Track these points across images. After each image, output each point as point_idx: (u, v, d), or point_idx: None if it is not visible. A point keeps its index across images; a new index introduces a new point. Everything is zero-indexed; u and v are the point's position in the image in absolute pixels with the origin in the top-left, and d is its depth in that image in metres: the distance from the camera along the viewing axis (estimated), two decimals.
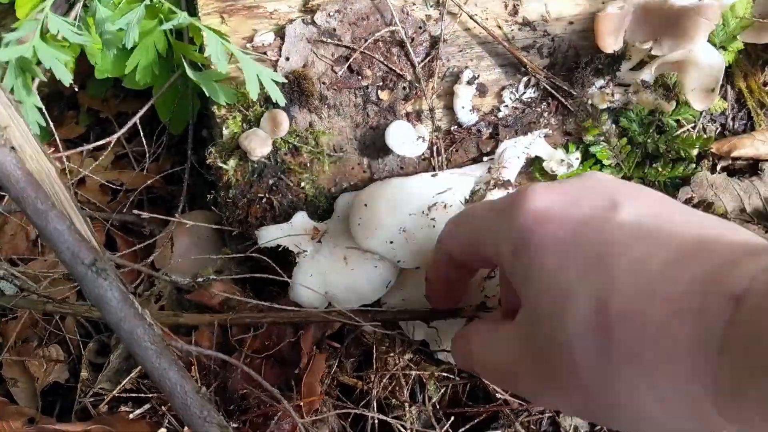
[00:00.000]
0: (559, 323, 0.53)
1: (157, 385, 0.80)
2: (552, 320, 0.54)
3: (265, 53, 1.00)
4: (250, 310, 1.02)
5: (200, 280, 0.95)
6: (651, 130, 1.05)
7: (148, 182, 1.29)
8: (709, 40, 0.98)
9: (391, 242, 0.98)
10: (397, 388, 1.03)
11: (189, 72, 0.98)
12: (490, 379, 0.87)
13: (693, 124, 1.08)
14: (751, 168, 1.09)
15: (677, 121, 1.05)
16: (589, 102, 1.04)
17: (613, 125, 1.06)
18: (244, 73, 0.91)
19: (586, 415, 0.70)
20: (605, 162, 1.06)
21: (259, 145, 0.97)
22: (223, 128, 1.02)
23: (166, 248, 1.16)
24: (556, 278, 0.55)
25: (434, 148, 1.06)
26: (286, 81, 0.98)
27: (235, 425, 0.93)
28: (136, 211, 1.03)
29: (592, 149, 1.05)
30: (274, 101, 0.94)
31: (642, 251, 0.51)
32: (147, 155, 1.30)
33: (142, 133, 1.25)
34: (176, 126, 1.26)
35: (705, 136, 1.07)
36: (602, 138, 1.05)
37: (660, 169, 1.06)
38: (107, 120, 1.43)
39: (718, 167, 1.10)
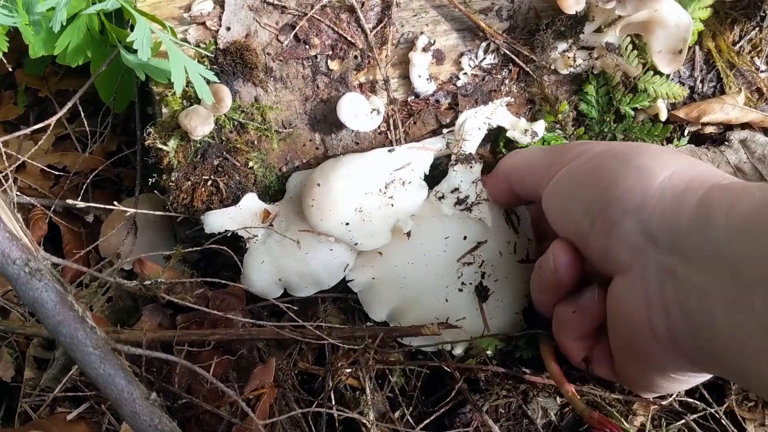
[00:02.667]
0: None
1: (102, 392, 0.74)
2: None
3: (203, 23, 0.93)
4: (196, 326, 0.96)
5: (147, 283, 0.89)
6: (608, 119, 1.01)
7: (95, 166, 1.22)
8: None
9: (347, 224, 0.93)
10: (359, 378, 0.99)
11: (123, 54, 0.91)
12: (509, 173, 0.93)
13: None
14: (721, 134, 1.05)
15: (635, 109, 1.01)
16: (552, 67, 0.98)
17: (570, 113, 1.01)
18: (171, 64, 0.84)
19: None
20: None
21: (200, 124, 0.90)
22: (163, 106, 0.95)
23: (112, 236, 1.09)
24: None
25: (391, 121, 1.00)
26: (223, 60, 0.91)
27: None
28: (70, 201, 0.95)
29: (547, 136, 1.00)
30: (200, 98, 0.87)
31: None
32: (89, 136, 1.23)
33: (83, 114, 1.17)
34: (120, 104, 1.18)
35: (662, 125, 1.01)
36: (558, 126, 1.00)
37: None
38: (47, 99, 1.34)
39: (687, 132, 1.06)
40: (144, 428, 0.72)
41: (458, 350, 0.96)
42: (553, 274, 0.80)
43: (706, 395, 0.97)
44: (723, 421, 0.95)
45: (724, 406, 0.96)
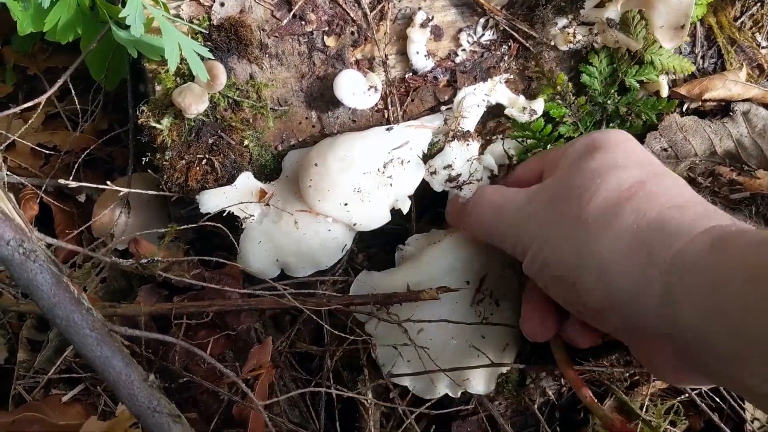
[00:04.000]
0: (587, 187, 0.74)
1: (100, 375, 0.73)
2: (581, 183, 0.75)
3: None
4: (193, 299, 0.95)
5: (144, 261, 0.87)
6: (612, 91, 0.99)
7: (86, 145, 1.20)
8: None
9: (346, 204, 0.91)
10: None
11: (114, 31, 0.89)
12: (481, 230, 0.90)
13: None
14: (722, 109, 1.04)
15: (640, 81, 0.99)
16: (552, 43, 0.97)
17: (569, 84, 0.99)
18: (164, 41, 0.82)
19: (560, 266, 0.75)
20: (563, 120, 0.99)
21: (194, 101, 0.88)
22: (156, 84, 0.93)
23: (105, 215, 1.08)
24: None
25: (388, 99, 0.98)
26: (217, 35, 0.89)
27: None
28: (62, 180, 0.94)
29: (547, 106, 0.98)
30: (195, 75, 0.84)
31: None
32: (80, 114, 1.20)
33: (73, 91, 1.15)
34: (111, 82, 1.16)
35: (666, 100, 1.00)
36: (557, 96, 0.99)
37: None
38: (36, 77, 1.31)
39: (687, 109, 1.05)
40: (142, 411, 0.71)
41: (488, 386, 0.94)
42: (532, 337, 0.87)
43: None
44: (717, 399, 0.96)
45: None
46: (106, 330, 0.72)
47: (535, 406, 0.98)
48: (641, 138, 1.00)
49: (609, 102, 1.00)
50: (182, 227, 0.91)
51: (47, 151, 1.20)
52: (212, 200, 0.92)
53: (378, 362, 0.93)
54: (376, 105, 0.97)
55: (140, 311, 0.88)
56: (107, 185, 0.95)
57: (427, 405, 0.94)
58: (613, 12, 0.94)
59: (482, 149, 0.99)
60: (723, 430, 0.95)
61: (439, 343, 0.91)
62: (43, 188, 1.15)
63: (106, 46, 1.08)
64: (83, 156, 1.15)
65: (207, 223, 0.87)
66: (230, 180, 0.95)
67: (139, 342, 0.92)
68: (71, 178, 1.01)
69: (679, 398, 0.96)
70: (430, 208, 1.05)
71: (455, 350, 0.92)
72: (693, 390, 0.96)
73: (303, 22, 0.92)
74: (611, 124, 1.02)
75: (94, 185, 0.99)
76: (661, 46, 0.96)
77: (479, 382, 0.92)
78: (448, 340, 0.92)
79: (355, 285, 0.96)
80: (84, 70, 1.15)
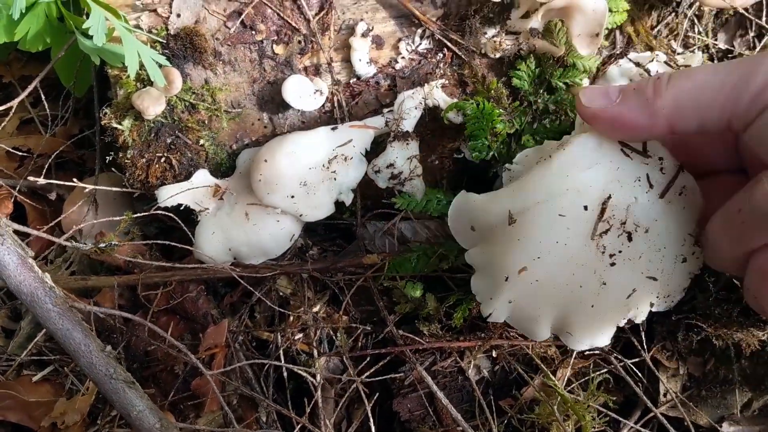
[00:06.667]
0: None
1: (62, 345, 0.81)
2: None
3: (155, 10, 0.99)
4: (157, 270, 1.03)
5: (102, 245, 0.95)
6: (541, 91, 1.08)
7: (58, 148, 1.28)
8: None
9: (293, 196, 1.00)
10: (309, 339, 1.06)
11: (80, 40, 0.98)
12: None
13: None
14: None
15: (566, 83, 1.09)
16: (482, 51, 1.06)
17: (504, 88, 1.08)
18: (124, 49, 0.90)
19: None
20: (497, 120, 1.07)
21: (152, 104, 0.97)
22: (118, 88, 1.02)
23: (73, 212, 1.16)
24: None
25: (335, 101, 1.07)
26: (174, 41, 0.98)
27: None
28: (32, 178, 1.02)
29: (460, 103, 1.06)
30: (153, 80, 0.93)
31: None
32: (49, 119, 1.29)
33: (44, 97, 1.23)
34: (80, 88, 1.24)
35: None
36: (492, 100, 1.07)
37: (548, 125, 1.09)
38: (11, 84, 1.39)
39: None
40: (100, 377, 0.79)
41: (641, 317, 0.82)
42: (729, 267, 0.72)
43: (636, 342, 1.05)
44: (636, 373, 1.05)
45: (639, 358, 1.05)
46: (68, 305, 0.80)
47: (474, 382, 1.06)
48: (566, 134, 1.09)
49: (539, 100, 1.09)
50: (136, 215, 0.99)
51: (22, 154, 1.27)
52: (169, 194, 1.00)
53: (475, 295, 0.84)
54: (324, 107, 1.06)
55: (110, 282, 0.96)
56: (74, 182, 1.03)
57: (367, 375, 1.01)
58: (536, 22, 1.04)
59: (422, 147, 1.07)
60: (643, 401, 1.03)
61: (545, 286, 0.78)
62: (17, 188, 1.23)
63: (73, 55, 1.16)
64: (53, 157, 1.22)
65: (159, 212, 0.95)
66: (187, 177, 1.03)
67: (111, 328, 1.00)
68: (42, 178, 1.09)
69: (598, 373, 1.05)
70: (378, 204, 1.14)
71: (566, 294, 0.78)
72: (620, 362, 1.04)
73: (253, 32, 1.01)
74: (543, 120, 1.10)
75: (63, 182, 1.06)
76: None
77: (586, 336, 0.79)
78: (557, 283, 0.77)
79: (453, 208, 0.88)
80: (56, 79, 1.23)
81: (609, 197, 0.76)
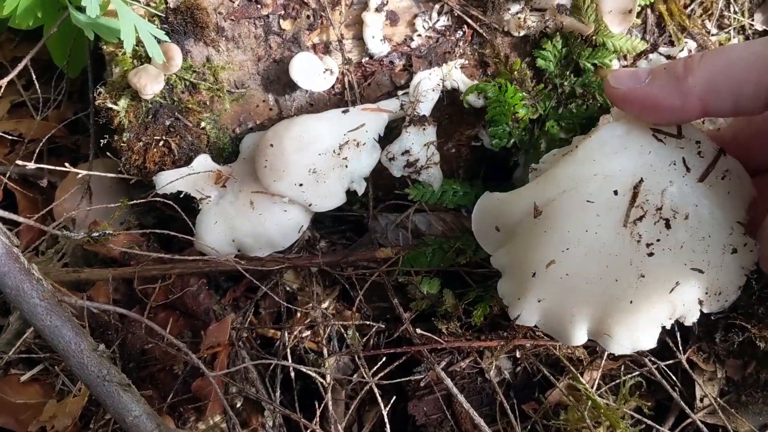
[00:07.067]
0: None
1: (50, 344, 0.75)
2: None
3: None
4: (155, 262, 0.96)
5: (95, 234, 0.88)
6: (568, 72, 1.01)
7: (50, 132, 1.21)
8: None
9: (301, 184, 0.93)
10: (317, 338, 0.99)
11: (73, 14, 0.90)
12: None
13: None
14: None
15: (594, 64, 1.01)
16: (504, 29, 0.99)
17: (528, 69, 1.01)
18: (120, 23, 0.83)
19: None
20: (519, 105, 1.00)
21: (150, 82, 0.89)
22: (113, 66, 0.94)
23: (66, 200, 1.08)
24: None
25: (346, 82, 1.00)
26: (173, 16, 0.90)
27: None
28: (20, 162, 0.94)
29: (481, 85, 0.99)
30: (151, 57, 0.86)
31: None
32: (41, 102, 1.21)
33: (35, 79, 1.16)
34: (73, 68, 1.17)
35: None
36: (515, 83, 1.00)
37: (574, 111, 1.02)
38: (3, 66, 1.32)
39: None
40: (92, 379, 0.72)
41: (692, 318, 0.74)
42: None
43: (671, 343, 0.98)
44: (671, 377, 0.98)
45: (672, 360, 0.98)
46: (56, 300, 0.73)
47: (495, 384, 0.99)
48: (595, 120, 1.02)
49: (566, 83, 1.02)
50: (132, 203, 0.92)
51: (13, 138, 1.20)
52: (168, 180, 0.93)
53: (502, 299, 0.77)
54: (334, 89, 0.98)
55: (104, 275, 0.89)
56: (65, 167, 0.95)
57: (380, 376, 0.95)
58: None
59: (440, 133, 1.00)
60: (678, 406, 0.96)
61: (577, 280, 0.71)
62: (7, 175, 1.16)
63: (67, 32, 1.09)
64: (44, 141, 1.15)
65: (157, 199, 0.89)
66: (188, 162, 0.96)
67: (106, 324, 0.93)
68: (33, 162, 1.02)
69: (630, 375, 0.98)
70: (390, 194, 1.07)
71: (601, 290, 0.70)
72: (653, 364, 0.97)
73: (259, 6, 0.94)
74: (569, 104, 1.03)
75: (54, 167, 0.99)
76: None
77: (626, 337, 0.70)
78: (589, 276, 0.70)
79: (478, 210, 0.82)
80: (50, 60, 1.16)
81: (641, 181, 0.70)
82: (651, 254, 0.70)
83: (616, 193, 0.71)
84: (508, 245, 0.78)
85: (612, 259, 0.70)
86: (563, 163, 0.75)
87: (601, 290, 0.70)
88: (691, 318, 0.72)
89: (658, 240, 0.70)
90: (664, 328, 0.72)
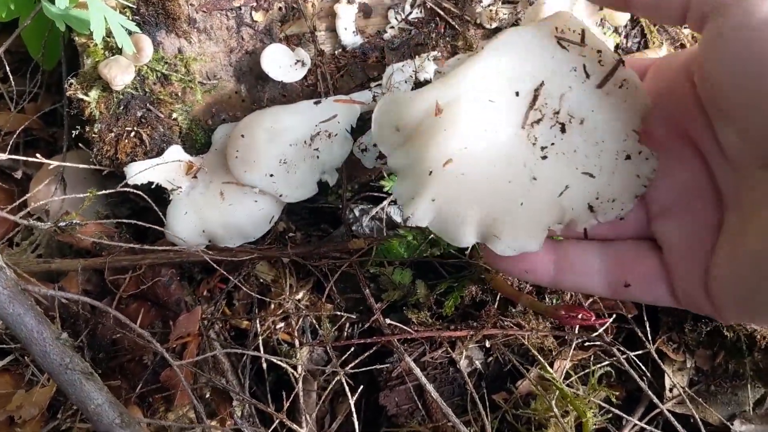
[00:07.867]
0: None
1: (13, 332, 0.74)
2: None
3: None
4: (126, 252, 0.96)
5: (62, 224, 0.88)
6: None
7: (30, 126, 1.20)
8: None
9: (272, 175, 0.93)
10: (290, 329, 1.00)
11: (45, 6, 0.90)
12: None
13: None
14: None
15: None
16: (477, 21, 0.99)
17: None
18: (90, 14, 0.83)
19: None
20: None
21: (120, 73, 0.89)
22: (85, 57, 0.94)
23: (40, 191, 1.08)
24: None
25: (319, 73, 1.00)
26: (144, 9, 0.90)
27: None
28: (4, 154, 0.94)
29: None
30: (121, 48, 0.86)
31: None
32: (20, 94, 1.21)
33: (8, 70, 1.16)
34: (49, 61, 1.17)
35: None
36: None
37: None
38: None
39: None
40: (54, 368, 0.72)
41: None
42: None
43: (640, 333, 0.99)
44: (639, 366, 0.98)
45: (642, 350, 0.98)
46: (19, 288, 0.73)
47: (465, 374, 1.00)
48: None
49: None
50: (101, 192, 0.92)
51: None
52: (139, 170, 0.93)
53: (397, 202, 0.75)
54: (306, 80, 0.99)
55: (75, 266, 0.89)
56: (37, 158, 0.95)
57: (352, 366, 0.95)
58: None
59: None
60: (647, 396, 0.97)
61: (472, 180, 0.68)
62: None
63: (42, 24, 1.09)
64: (17, 133, 1.15)
65: (128, 189, 0.88)
66: (160, 153, 0.96)
67: (76, 315, 0.93)
68: (7, 154, 1.02)
69: (599, 365, 0.98)
70: (366, 186, 1.07)
71: (493, 190, 0.68)
72: (623, 354, 0.97)
73: None
74: None
75: (27, 158, 0.99)
76: None
77: (512, 238, 0.67)
78: (485, 177, 0.69)
79: (378, 110, 0.77)
80: (25, 52, 1.16)
81: (542, 83, 0.70)
82: (545, 157, 0.70)
83: (517, 94, 0.70)
84: (407, 145, 0.74)
85: (507, 160, 0.69)
86: (468, 63, 0.72)
87: (494, 191, 0.68)
88: (582, 223, 0.70)
89: (552, 144, 0.70)
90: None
